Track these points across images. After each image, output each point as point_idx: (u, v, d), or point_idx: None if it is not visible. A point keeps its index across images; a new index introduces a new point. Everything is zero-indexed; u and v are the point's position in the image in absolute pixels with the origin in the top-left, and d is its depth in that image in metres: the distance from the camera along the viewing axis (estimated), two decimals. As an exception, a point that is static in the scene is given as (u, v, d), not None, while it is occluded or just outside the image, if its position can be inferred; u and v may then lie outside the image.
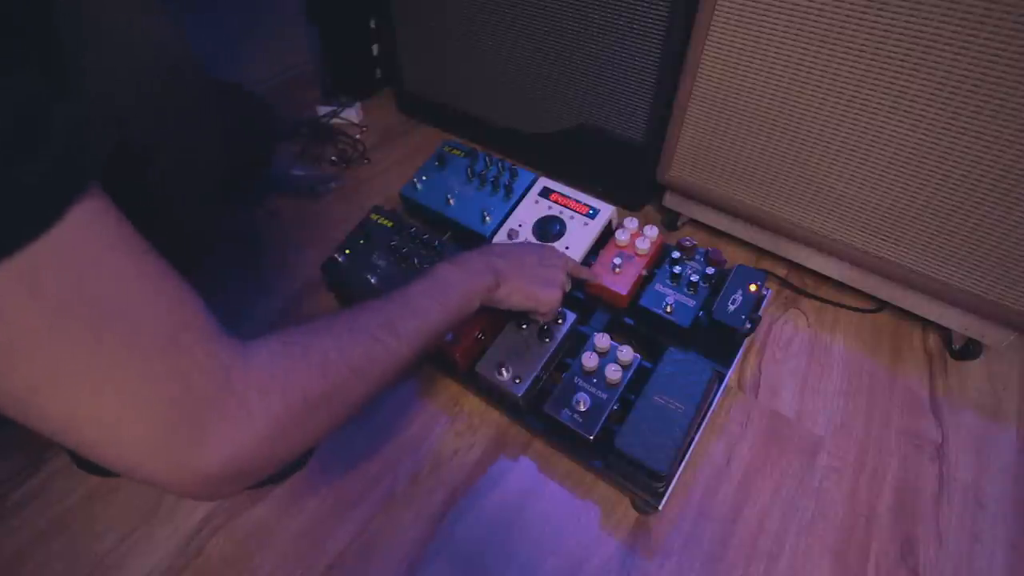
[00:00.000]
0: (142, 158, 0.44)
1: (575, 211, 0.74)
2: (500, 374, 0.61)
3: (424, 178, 0.83)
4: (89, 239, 0.26)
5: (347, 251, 0.74)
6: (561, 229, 0.73)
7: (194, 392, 0.29)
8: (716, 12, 0.64)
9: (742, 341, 0.66)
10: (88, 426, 0.27)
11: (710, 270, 0.67)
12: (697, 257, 0.69)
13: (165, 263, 0.30)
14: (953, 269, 0.66)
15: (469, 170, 0.81)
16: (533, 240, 0.73)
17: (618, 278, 0.68)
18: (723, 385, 0.65)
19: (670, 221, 0.90)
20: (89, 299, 0.26)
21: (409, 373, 0.48)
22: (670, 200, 0.87)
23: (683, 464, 0.58)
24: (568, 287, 0.62)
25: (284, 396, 0.33)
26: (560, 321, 0.64)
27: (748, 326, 0.63)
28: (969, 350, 0.72)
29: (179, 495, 0.32)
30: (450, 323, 0.49)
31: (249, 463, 0.32)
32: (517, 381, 0.60)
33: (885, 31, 0.56)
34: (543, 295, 0.58)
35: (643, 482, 0.55)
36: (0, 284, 0.23)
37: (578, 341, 0.66)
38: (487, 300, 0.54)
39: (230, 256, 0.86)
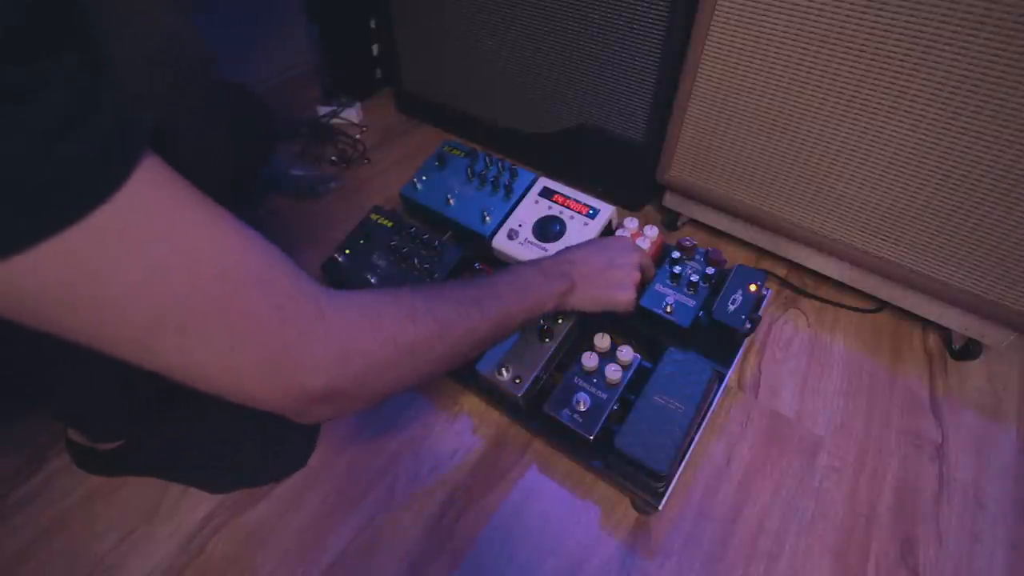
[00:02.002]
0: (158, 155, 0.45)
1: (575, 211, 0.74)
2: (500, 374, 0.61)
3: (424, 178, 0.83)
4: (159, 194, 0.28)
5: (347, 251, 0.74)
6: (561, 229, 0.73)
7: (289, 322, 0.31)
8: (716, 12, 0.64)
9: (742, 341, 0.66)
10: (199, 362, 0.30)
11: (710, 270, 0.67)
12: (697, 257, 0.69)
13: (231, 214, 0.32)
14: (953, 269, 0.66)
15: (469, 170, 0.81)
16: (533, 240, 0.73)
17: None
18: (723, 385, 0.65)
19: (670, 221, 0.90)
20: (175, 247, 0.28)
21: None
22: (670, 200, 0.87)
23: (683, 464, 0.58)
24: (642, 278, 0.63)
25: (375, 334, 0.35)
26: (560, 321, 0.64)
27: (748, 326, 0.63)
28: (969, 350, 0.72)
29: (292, 416, 0.35)
30: (525, 319, 0.50)
31: (346, 384, 0.34)
32: (517, 381, 0.60)
33: (885, 31, 0.56)
34: (617, 297, 0.59)
35: (643, 482, 0.55)
36: (87, 245, 0.25)
37: (578, 341, 0.66)
38: (560, 304, 0.55)
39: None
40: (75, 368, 0.49)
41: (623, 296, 0.59)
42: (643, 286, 0.63)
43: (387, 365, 0.36)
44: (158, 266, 0.27)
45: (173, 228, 0.28)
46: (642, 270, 0.63)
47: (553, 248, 0.71)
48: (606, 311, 0.59)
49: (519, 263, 0.55)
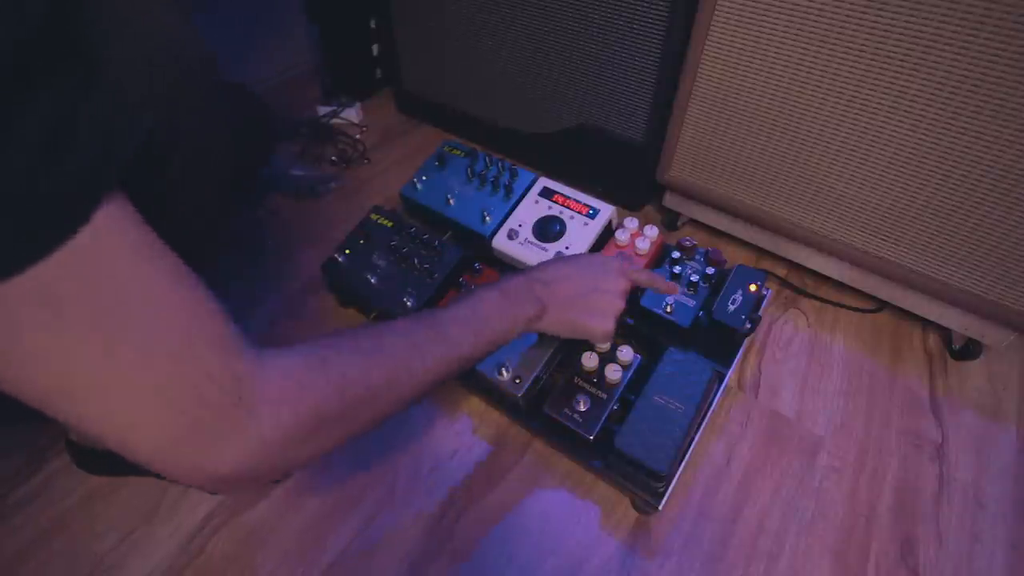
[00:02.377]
0: (160, 156, 0.43)
1: (575, 211, 0.74)
2: (500, 374, 0.61)
3: (424, 178, 0.83)
4: (107, 249, 0.26)
5: (347, 251, 0.74)
6: (561, 229, 0.73)
7: (206, 401, 0.29)
8: (716, 12, 0.64)
9: (742, 341, 0.66)
10: (104, 427, 0.28)
11: (710, 270, 0.67)
12: (697, 257, 0.69)
13: (185, 269, 0.30)
14: (953, 269, 0.66)
15: (469, 170, 0.81)
16: (533, 240, 0.73)
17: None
18: (723, 385, 0.65)
19: (670, 221, 0.90)
20: (105, 308, 0.26)
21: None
22: (670, 200, 0.87)
23: (683, 464, 0.58)
24: (626, 309, 0.57)
25: (296, 411, 0.33)
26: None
27: (748, 326, 0.63)
28: (969, 350, 0.72)
29: (192, 487, 0.33)
30: (483, 354, 0.47)
31: (256, 470, 0.32)
32: (517, 381, 0.60)
33: (885, 31, 0.56)
34: (593, 328, 0.54)
35: (643, 482, 0.55)
36: (19, 295, 0.23)
37: (578, 341, 0.65)
38: (529, 329, 0.52)
39: (231, 256, 0.86)
40: None
41: (600, 327, 0.54)
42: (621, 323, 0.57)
43: (306, 439, 0.34)
44: (80, 326, 0.25)
45: (108, 289, 0.26)
46: (628, 294, 0.58)
47: (553, 248, 0.71)
48: (580, 339, 0.56)
49: (485, 285, 0.50)
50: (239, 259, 0.86)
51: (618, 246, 0.70)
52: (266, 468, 0.33)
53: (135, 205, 0.28)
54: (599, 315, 0.54)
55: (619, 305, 0.55)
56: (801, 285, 0.82)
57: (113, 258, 0.26)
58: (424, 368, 0.42)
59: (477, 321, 0.47)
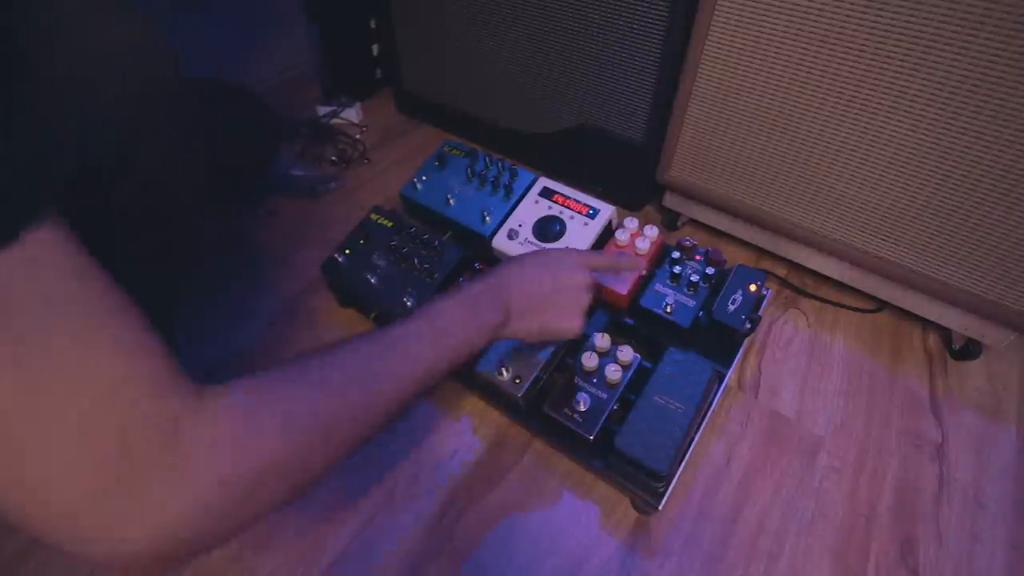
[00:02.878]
0: (113, 171, 0.40)
1: (575, 211, 0.74)
2: (500, 374, 0.61)
3: (424, 178, 0.83)
4: (31, 276, 0.24)
5: (347, 251, 0.74)
6: (561, 229, 0.73)
7: (131, 451, 0.26)
8: (716, 12, 0.64)
9: (742, 341, 0.66)
10: (9, 482, 0.24)
11: (710, 270, 0.67)
12: (697, 257, 0.69)
13: (122, 302, 0.28)
14: (953, 269, 0.66)
15: (469, 170, 0.81)
16: (533, 240, 0.72)
17: (618, 278, 0.68)
18: (723, 385, 0.65)
19: (670, 221, 0.90)
20: (20, 339, 0.24)
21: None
22: (670, 200, 0.87)
23: (683, 464, 0.58)
24: (592, 300, 0.56)
25: (235, 461, 0.29)
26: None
27: (748, 326, 0.63)
28: (969, 350, 0.72)
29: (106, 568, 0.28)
30: (447, 368, 0.44)
31: (185, 536, 0.28)
32: (517, 381, 0.60)
33: (885, 31, 0.56)
34: (561, 326, 0.53)
35: (643, 482, 0.55)
36: None
37: (578, 341, 0.65)
38: (495, 337, 0.49)
39: (231, 256, 0.86)
40: None
41: (567, 324, 0.53)
42: (595, 303, 0.55)
43: (248, 493, 0.30)
44: None
45: (27, 325, 0.24)
46: (593, 288, 0.56)
47: (553, 249, 0.71)
48: (550, 340, 0.54)
49: (444, 295, 0.47)
50: (239, 259, 0.86)
51: (618, 246, 0.70)
52: (195, 535, 0.28)
53: (88, 222, 0.27)
54: (566, 313, 0.53)
55: (584, 299, 0.54)
56: (801, 285, 0.82)
57: (35, 286, 0.24)
58: (381, 393, 0.38)
59: (436, 335, 0.44)
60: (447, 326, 0.45)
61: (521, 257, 0.54)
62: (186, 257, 0.52)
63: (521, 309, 0.50)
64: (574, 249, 0.57)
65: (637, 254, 0.70)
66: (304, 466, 0.33)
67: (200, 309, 0.77)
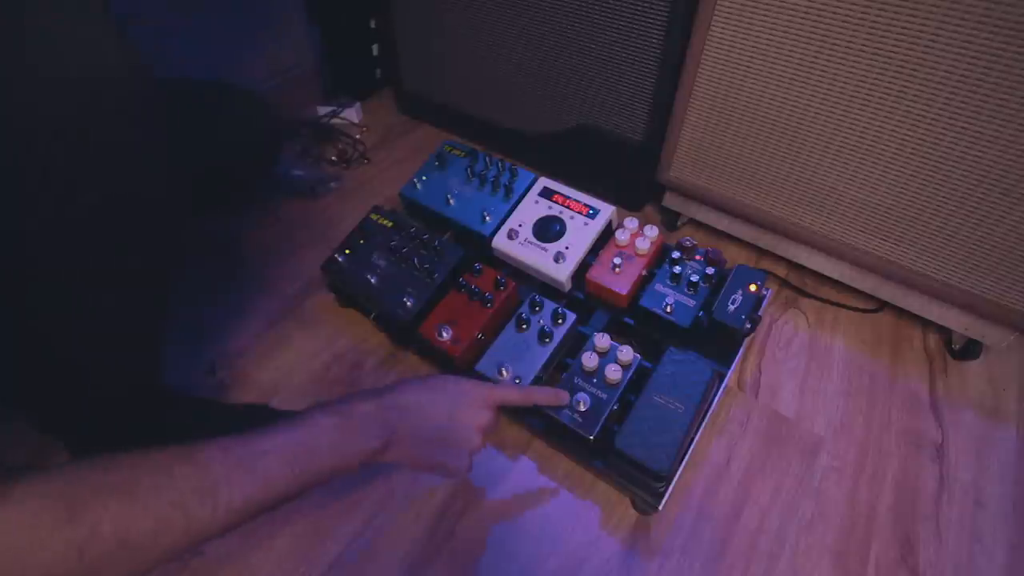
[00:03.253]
0: (65, 189, 0.38)
1: (575, 211, 0.74)
2: (500, 374, 0.61)
3: (424, 178, 0.83)
4: None
5: (347, 251, 0.74)
6: (561, 229, 0.73)
7: None
8: (716, 12, 0.64)
9: (742, 341, 0.66)
10: None
11: (710, 270, 0.67)
12: (697, 257, 0.69)
13: None
14: (953, 269, 0.66)
15: (469, 170, 0.81)
16: (533, 240, 0.72)
17: (618, 278, 0.68)
18: (723, 385, 0.65)
19: (670, 221, 0.90)
20: None
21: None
22: (670, 200, 0.87)
23: (683, 464, 0.57)
24: (490, 432, 0.53)
25: (16, 566, 0.27)
26: (560, 322, 0.64)
27: (748, 326, 0.63)
28: (969, 350, 0.72)
29: None
30: (304, 490, 0.40)
31: None
32: (517, 381, 0.60)
33: (885, 31, 0.56)
34: (446, 464, 0.50)
35: (643, 482, 0.55)
36: None
37: (578, 341, 0.66)
38: (370, 463, 0.45)
39: (231, 256, 0.86)
40: (68, 382, 0.48)
41: (453, 465, 0.50)
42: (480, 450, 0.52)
43: None
44: None
45: None
46: (492, 429, 0.53)
47: (553, 248, 0.71)
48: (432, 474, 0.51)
49: (327, 406, 0.43)
50: (239, 259, 0.86)
51: (618, 246, 0.70)
52: None
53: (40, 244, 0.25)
54: (452, 452, 0.49)
55: (475, 442, 0.50)
56: (801, 285, 0.82)
57: None
58: (213, 515, 0.34)
59: (303, 455, 0.39)
60: (318, 447, 0.41)
61: (424, 380, 0.51)
62: (166, 262, 0.51)
63: (406, 438, 0.46)
64: (485, 385, 0.53)
65: (637, 254, 0.70)
66: None
67: (200, 309, 0.77)
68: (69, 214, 0.38)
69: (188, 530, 0.33)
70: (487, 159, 0.82)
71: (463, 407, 0.50)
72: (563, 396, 0.58)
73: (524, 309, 0.66)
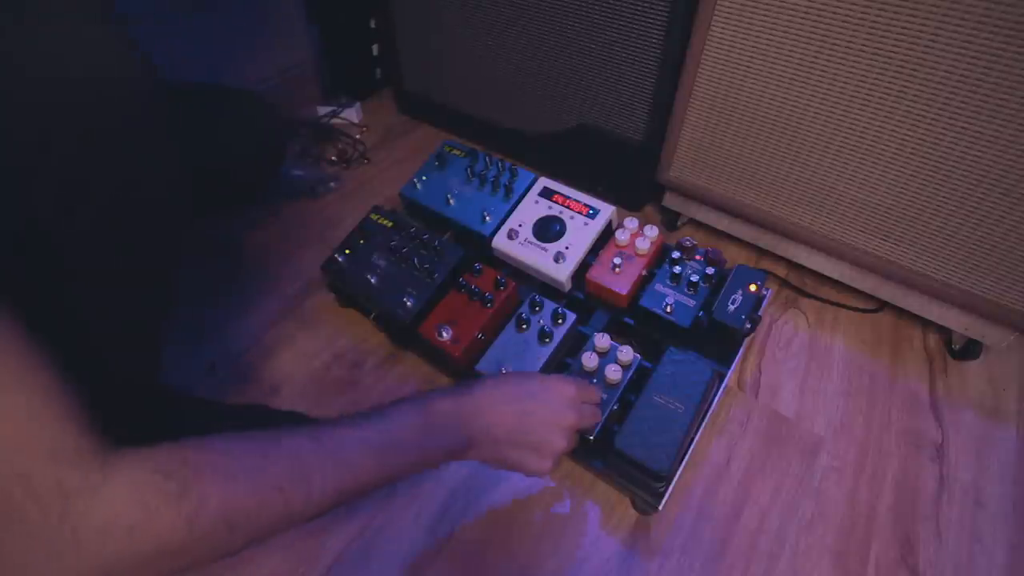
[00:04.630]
0: (68, 189, 0.38)
1: (575, 211, 0.74)
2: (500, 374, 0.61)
3: (424, 178, 0.83)
4: None
5: (347, 251, 0.74)
6: (561, 229, 0.73)
7: (16, 521, 0.25)
8: (716, 12, 0.64)
9: (742, 341, 0.66)
10: None
11: (710, 270, 0.67)
12: (697, 257, 0.69)
13: (30, 362, 0.27)
14: (953, 269, 0.66)
15: (469, 170, 0.81)
16: (533, 240, 0.72)
17: (618, 278, 0.68)
18: (723, 385, 0.65)
19: (670, 221, 0.90)
20: None
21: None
22: (670, 200, 0.87)
23: (683, 464, 0.57)
24: (575, 441, 0.51)
25: (132, 539, 0.28)
26: (560, 322, 0.64)
27: (748, 326, 0.63)
28: (969, 350, 0.72)
29: None
30: (386, 484, 0.41)
31: None
32: (517, 381, 0.60)
33: (885, 31, 0.56)
34: (528, 466, 0.49)
35: (643, 482, 0.55)
36: None
37: (578, 341, 0.66)
38: (451, 460, 0.45)
39: (231, 257, 0.86)
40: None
41: (535, 466, 0.48)
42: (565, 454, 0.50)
43: (136, 574, 0.29)
44: None
45: None
46: (577, 428, 0.51)
47: (553, 248, 0.71)
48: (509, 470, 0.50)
49: (413, 400, 0.44)
50: (239, 259, 0.86)
51: (618, 246, 0.70)
52: None
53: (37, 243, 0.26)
54: (535, 455, 0.48)
55: (561, 445, 0.49)
56: (801, 285, 0.82)
57: None
58: (306, 498, 0.35)
59: (387, 448, 0.40)
60: (401, 443, 0.41)
61: (507, 378, 0.50)
62: (168, 263, 0.51)
63: (488, 440, 0.46)
64: (570, 382, 0.52)
65: (637, 254, 0.70)
66: (207, 554, 0.32)
67: (200, 309, 0.77)
68: (71, 214, 0.39)
69: (285, 512, 0.34)
70: (487, 159, 0.82)
71: (546, 407, 0.49)
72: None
73: (524, 309, 0.66)
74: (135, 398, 0.55)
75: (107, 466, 0.28)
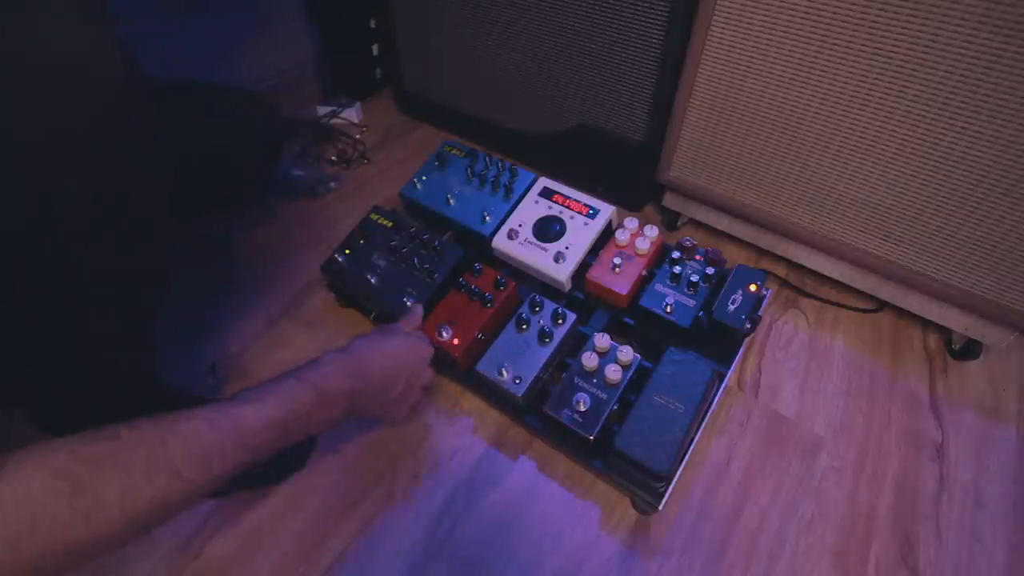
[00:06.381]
0: (52, 187, 0.38)
1: (575, 211, 0.74)
2: (500, 374, 0.61)
3: (424, 178, 0.83)
4: None
5: (347, 251, 0.74)
6: (561, 229, 0.73)
7: None
8: (716, 12, 0.64)
9: (742, 341, 0.66)
10: None
11: (710, 270, 0.67)
12: (697, 257, 0.69)
13: None
14: (953, 269, 0.66)
15: (469, 170, 0.81)
16: (533, 240, 0.72)
17: (618, 278, 0.68)
18: (723, 385, 0.65)
19: (670, 221, 0.90)
20: None
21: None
22: (670, 200, 0.87)
23: (683, 464, 0.57)
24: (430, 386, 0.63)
25: (30, 546, 0.28)
26: (560, 322, 0.64)
27: (748, 326, 0.63)
28: (969, 350, 0.72)
29: None
30: (274, 452, 0.44)
31: None
32: (517, 381, 0.60)
33: (885, 31, 0.56)
34: (391, 417, 0.59)
35: (643, 482, 0.55)
36: None
37: (578, 341, 0.66)
38: (324, 426, 0.50)
39: (231, 256, 0.86)
40: (64, 377, 0.48)
41: (396, 415, 0.59)
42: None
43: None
44: None
45: None
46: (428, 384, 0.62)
47: (553, 248, 0.71)
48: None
49: (302, 375, 0.47)
50: (239, 259, 0.86)
51: (618, 246, 0.70)
52: None
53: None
54: (395, 407, 0.58)
55: (417, 398, 0.61)
56: (801, 285, 0.82)
57: None
58: (206, 479, 0.37)
59: (283, 427, 0.43)
60: (297, 420, 0.45)
61: (375, 343, 0.56)
62: (151, 261, 0.50)
63: (366, 400, 0.53)
64: (427, 346, 0.61)
65: (637, 254, 0.70)
66: (103, 547, 0.32)
67: (200, 309, 0.77)
68: (56, 212, 0.39)
69: (185, 494, 0.36)
70: (487, 159, 0.82)
71: (410, 367, 0.58)
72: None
73: (524, 309, 0.66)
74: (134, 398, 0.55)
75: None
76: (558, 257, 0.70)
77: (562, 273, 0.69)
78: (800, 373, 0.71)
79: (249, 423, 0.41)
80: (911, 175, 0.62)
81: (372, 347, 0.55)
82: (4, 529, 0.28)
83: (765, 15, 0.61)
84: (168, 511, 0.35)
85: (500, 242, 0.74)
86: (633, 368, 0.61)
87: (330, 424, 0.49)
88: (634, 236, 0.71)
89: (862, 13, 0.56)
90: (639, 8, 0.72)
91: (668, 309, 0.65)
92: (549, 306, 0.66)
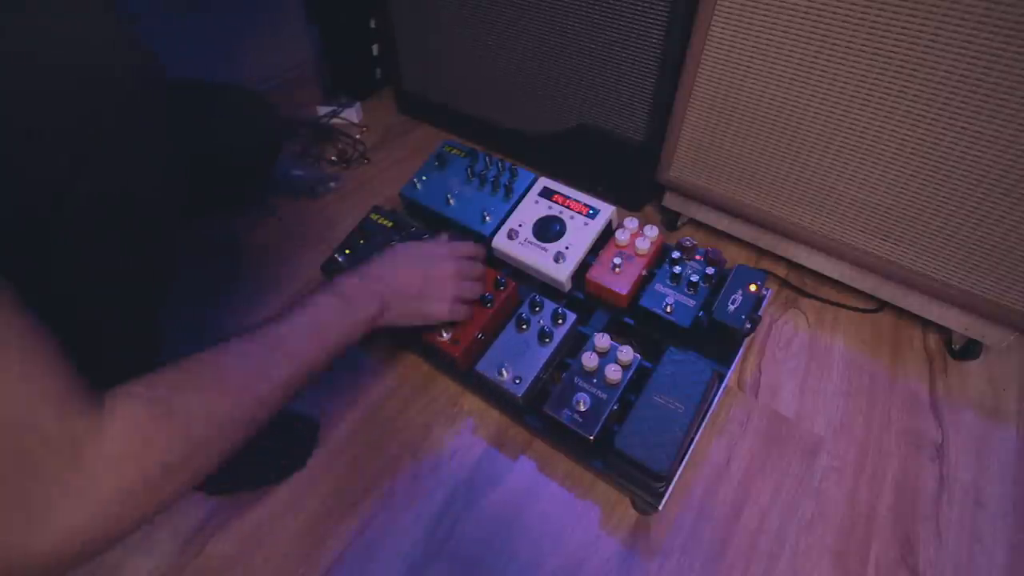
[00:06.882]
0: (65, 184, 0.38)
1: (575, 211, 0.74)
2: (500, 374, 0.61)
3: (424, 178, 0.83)
4: None
5: (347, 251, 0.74)
6: (561, 229, 0.73)
7: (35, 469, 0.28)
8: (716, 12, 0.64)
9: (742, 341, 0.66)
10: None
11: (710, 270, 0.67)
12: (697, 257, 0.69)
13: (25, 325, 0.29)
14: (953, 269, 0.66)
15: (469, 170, 0.81)
16: (533, 240, 0.72)
17: (618, 278, 0.68)
18: (723, 385, 0.65)
19: (670, 221, 0.90)
20: None
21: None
22: (670, 200, 0.87)
23: (683, 464, 0.58)
24: (465, 288, 0.62)
25: (140, 464, 0.32)
26: (560, 322, 0.64)
27: (748, 326, 0.63)
28: (969, 350, 0.72)
29: None
30: (327, 361, 0.47)
31: (92, 540, 0.31)
32: (517, 381, 0.60)
33: (885, 31, 0.56)
34: (433, 311, 0.60)
35: (643, 482, 0.55)
36: None
37: (578, 341, 0.66)
38: (373, 327, 0.53)
39: (231, 256, 0.86)
40: None
41: (438, 308, 0.60)
42: (461, 300, 0.62)
43: (151, 492, 0.33)
44: None
45: None
46: (462, 276, 0.62)
47: (552, 248, 0.71)
48: (423, 324, 0.60)
49: (321, 290, 0.51)
50: (239, 259, 0.86)
51: (618, 246, 0.70)
52: (103, 537, 0.31)
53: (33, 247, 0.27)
54: (436, 300, 0.59)
55: (450, 287, 0.60)
56: (801, 285, 0.82)
57: None
58: (270, 389, 0.41)
59: (318, 330, 0.47)
60: (328, 322, 0.48)
61: (394, 250, 0.60)
62: (163, 259, 0.51)
63: (397, 298, 0.55)
64: (443, 243, 0.64)
65: (637, 254, 0.70)
66: (206, 459, 0.37)
67: (201, 309, 0.77)
68: (65, 202, 0.39)
69: (257, 406, 0.40)
70: (487, 159, 0.82)
71: (433, 261, 0.60)
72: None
73: (524, 309, 0.66)
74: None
75: (101, 408, 0.32)
76: (558, 257, 0.70)
77: (562, 273, 0.69)
78: (800, 373, 0.71)
79: (284, 336, 0.45)
80: (911, 175, 0.62)
81: (384, 252, 0.59)
82: (126, 450, 0.32)
83: (765, 15, 0.61)
84: (247, 422, 0.40)
85: (500, 242, 0.74)
86: (633, 368, 0.61)
87: (365, 325, 0.51)
88: (634, 236, 0.71)
89: (862, 13, 0.56)
90: (639, 8, 0.72)
91: (668, 309, 0.65)
92: (549, 306, 0.66)
